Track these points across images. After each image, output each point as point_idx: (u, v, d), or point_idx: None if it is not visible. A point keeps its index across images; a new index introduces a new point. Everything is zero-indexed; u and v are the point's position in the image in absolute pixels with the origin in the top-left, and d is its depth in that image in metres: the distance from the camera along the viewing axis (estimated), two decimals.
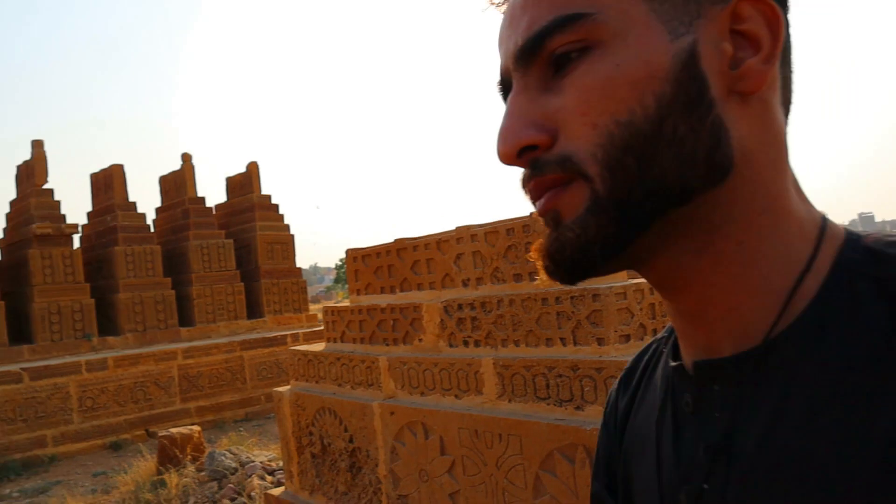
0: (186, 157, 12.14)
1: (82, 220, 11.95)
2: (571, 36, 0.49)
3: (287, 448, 4.12)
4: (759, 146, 0.51)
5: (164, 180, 12.65)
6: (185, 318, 10.96)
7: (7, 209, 11.52)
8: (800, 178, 0.54)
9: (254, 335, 10.67)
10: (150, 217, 12.05)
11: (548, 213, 0.52)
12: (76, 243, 10.71)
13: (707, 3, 0.50)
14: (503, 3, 0.57)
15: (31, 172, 10.70)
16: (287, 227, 12.46)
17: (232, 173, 13.00)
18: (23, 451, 7.97)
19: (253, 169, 12.57)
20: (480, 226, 3.17)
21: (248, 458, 6.27)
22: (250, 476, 5.82)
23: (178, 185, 12.24)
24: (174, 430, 6.77)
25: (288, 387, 4.20)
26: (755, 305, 0.51)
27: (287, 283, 12.01)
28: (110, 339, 10.01)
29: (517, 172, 0.54)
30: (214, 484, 5.91)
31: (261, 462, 6.12)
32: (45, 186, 10.64)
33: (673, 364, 0.58)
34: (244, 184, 12.62)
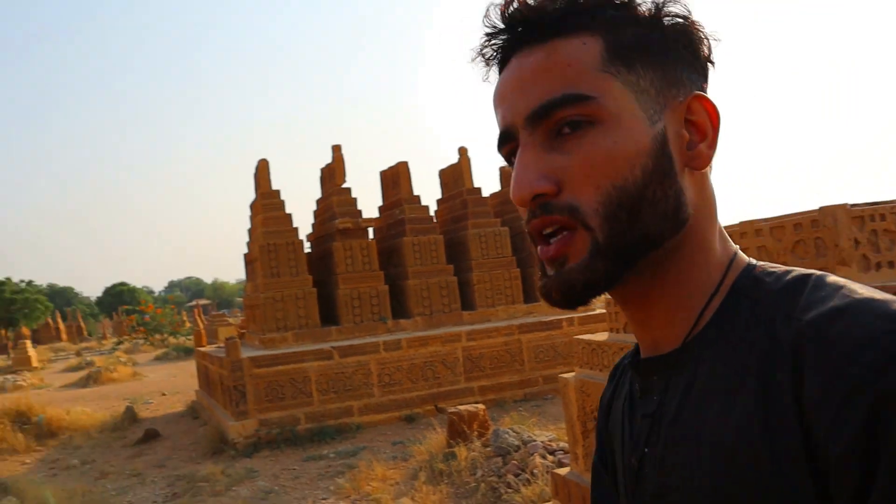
0: (463, 151, 12.84)
1: (375, 213, 13.21)
2: (578, 111, 0.65)
3: (572, 431, 4.23)
4: (700, 206, 0.70)
5: (443, 173, 13.50)
6: (467, 303, 11.64)
7: (314, 207, 13.07)
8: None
9: (531, 319, 11.01)
10: (433, 209, 12.92)
11: (557, 258, 0.66)
12: (371, 235, 11.84)
13: (670, 98, 0.68)
14: (491, 59, 0.73)
15: (333, 174, 12.03)
16: None
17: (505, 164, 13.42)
18: (335, 419, 9.10)
19: None
20: (765, 220, 3.02)
21: (529, 437, 6.51)
22: (532, 454, 6.04)
23: (455, 177, 13.00)
24: (461, 408, 7.24)
25: (573, 373, 4.30)
26: (681, 317, 0.69)
27: None
28: (402, 321, 10.97)
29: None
30: (499, 459, 6.24)
31: (542, 441, 6.32)
32: (344, 186, 11.90)
33: (631, 359, 0.78)
34: None
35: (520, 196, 0.66)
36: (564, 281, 0.66)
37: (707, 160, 0.69)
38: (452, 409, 7.27)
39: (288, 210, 11.16)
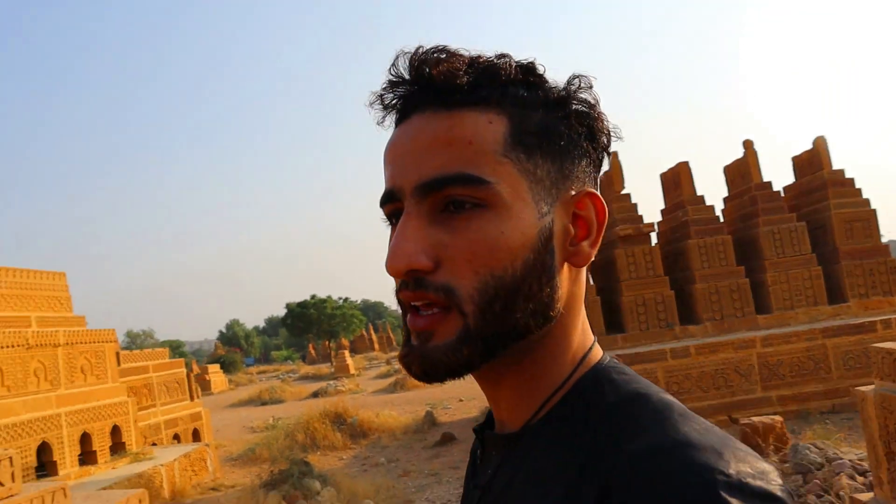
0: (748, 144, 12.05)
1: (656, 217, 12.91)
2: (471, 192, 0.64)
3: (874, 452, 3.82)
4: (571, 301, 0.71)
5: (728, 169, 12.78)
6: (761, 306, 10.88)
7: None
8: None
9: (837, 322, 9.96)
10: (718, 208, 12.30)
11: (423, 332, 0.65)
12: (653, 240, 11.60)
13: (563, 191, 0.68)
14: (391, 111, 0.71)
15: (611, 181, 12.02)
16: (867, 203, 11.27)
17: (797, 152, 12.38)
18: None
19: (820, 144, 11.75)
20: None
21: (835, 454, 5.93)
22: (838, 474, 5.49)
23: (742, 172, 12.24)
24: (755, 419, 6.83)
25: (872, 386, 3.88)
26: (526, 405, 0.70)
27: (872, 264, 10.87)
28: (690, 327, 10.59)
29: None
30: (799, 477, 5.77)
31: (850, 460, 5.72)
32: (623, 192, 11.84)
33: (483, 430, 0.80)
34: (812, 161, 11.89)
35: (394, 268, 0.65)
36: (427, 358, 0.65)
37: (587, 259, 0.70)
38: (746, 420, 6.88)
39: None
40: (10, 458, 4.35)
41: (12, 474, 4.37)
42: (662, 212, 12.95)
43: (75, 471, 9.63)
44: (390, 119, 0.73)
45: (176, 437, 13.83)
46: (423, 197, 0.66)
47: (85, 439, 10.08)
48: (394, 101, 0.71)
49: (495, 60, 0.68)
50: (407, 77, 0.69)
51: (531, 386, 0.70)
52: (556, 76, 0.71)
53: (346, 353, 31.36)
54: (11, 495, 4.31)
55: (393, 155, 0.69)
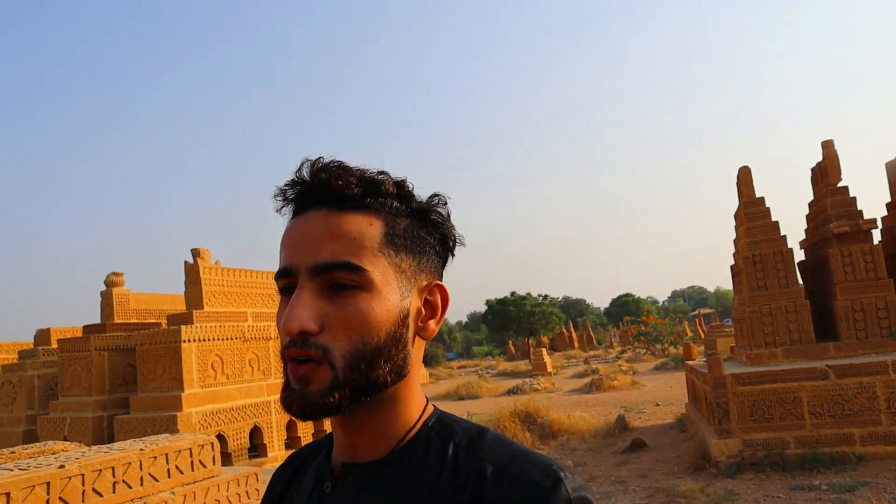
0: None
1: (881, 213, 11.53)
2: (351, 276, 0.83)
3: None
4: (415, 363, 0.91)
5: None
6: None
7: (805, 211, 12.03)
8: None
9: None
10: None
11: (301, 378, 0.81)
12: (876, 237, 10.39)
13: (419, 280, 0.90)
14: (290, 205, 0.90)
15: (824, 173, 10.93)
16: None
17: None
18: (830, 446, 8.18)
19: None
20: None
21: None
22: None
23: None
24: None
25: None
26: (385, 440, 0.89)
27: None
28: None
29: None
30: None
31: None
32: (839, 185, 10.71)
33: (324, 462, 0.95)
34: None
35: (289, 329, 0.82)
36: (305, 399, 0.82)
37: (433, 333, 0.92)
38: None
39: (774, 217, 10.51)
40: (212, 443, 4.80)
41: (213, 457, 4.82)
42: (889, 205, 11.54)
43: (282, 453, 10.49)
44: (287, 210, 0.91)
45: None
46: (314, 276, 0.84)
47: (290, 425, 10.96)
48: (294, 197, 0.90)
49: (377, 176, 0.89)
50: (308, 181, 0.88)
51: (388, 427, 0.90)
52: (421, 193, 0.94)
53: (544, 350, 31.23)
54: (212, 476, 4.76)
55: (291, 240, 0.87)
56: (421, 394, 0.94)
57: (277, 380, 11.13)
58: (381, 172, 0.90)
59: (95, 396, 10.57)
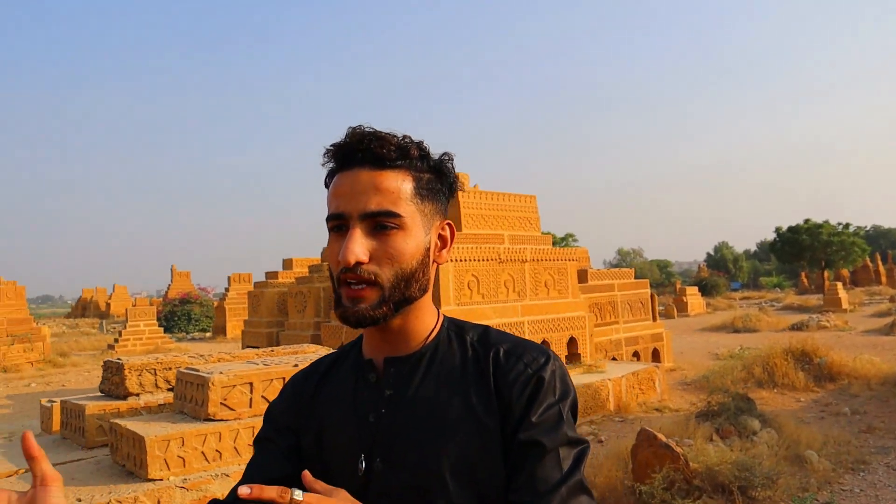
0: None
1: None
2: (392, 221, 1.11)
3: None
4: (433, 282, 1.23)
5: None
6: None
7: None
8: None
9: None
10: None
11: (354, 297, 1.11)
12: None
13: (436, 220, 1.19)
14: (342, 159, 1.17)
15: None
16: None
17: None
18: None
19: None
20: None
21: None
22: None
23: None
24: None
25: None
26: (415, 338, 1.21)
27: None
28: None
29: None
30: None
31: None
32: None
33: (366, 359, 1.24)
34: None
35: (347, 260, 1.08)
36: (361, 312, 1.10)
37: (446, 260, 1.22)
38: None
39: None
40: None
41: None
42: None
43: None
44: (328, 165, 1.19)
45: (635, 355, 14.28)
46: (363, 220, 1.11)
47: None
48: (340, 156, 1.15)
49: (405, 142, 1.14)
50: (352, 143, 1.14)
51: (417, 327, 1.20)
52: (435, 150, 1.20)
53: (840, 285, 27.87)
54: None
55: (342, 191, 1.13)
56: (435, 304, 1.24)
57: (532, 301, 11.29)
58: (406, 137, 1.15)
59: None
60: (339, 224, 1.13)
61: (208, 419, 3.83)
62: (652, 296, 15.87)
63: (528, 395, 1.12)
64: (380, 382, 1.19)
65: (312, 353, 5.22)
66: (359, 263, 1.08)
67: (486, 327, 1.25)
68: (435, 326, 1.22)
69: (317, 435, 1.22)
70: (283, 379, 4.09)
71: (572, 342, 11.44)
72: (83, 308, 48.97)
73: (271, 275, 17.78)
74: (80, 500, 3.58)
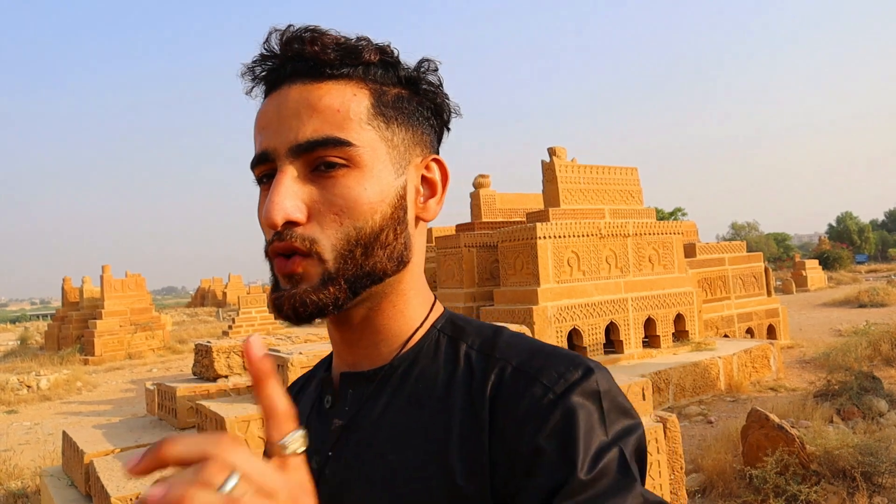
0: None
1: None
2: (338, 153, 0.73)
3: None
4: (418, 251, 0.82)
5: None
6: None
7: None
8: None
9: None
10: None
11: (290, 275, 0.73)
12: None
13: (414, 155, 0.80)
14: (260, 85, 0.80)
15: None
16: None
17: None
18: None
19: None
20: None
21: None
22: None
23: None
24: None
25: None
26: (390, 341, 0.81)
27: None
28: None
29: None
30: None
31: None
32: None
33: (324, 375, 0.89)
34: None
35: (273, 220, 0.71)
36: (297, 298, 0.72)
37: (434, 214, 0.82)
38: None
39: None
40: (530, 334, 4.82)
41: None
42: None
43: (638, 352, 10.34)
44: (258, 91, 0.80)
45: (749, 332, 13.58)
46: (296, 157, 0.73)
47: (649, 324, 10.69)
48: (264, 74, 0.79)
49: (358, 42, 0.77)
50: (279, 52, 0.77)
51: (391, 325, 0.80)
52: (408, 59, 0.81)
53: None
54: None
55: (266, 121, 0.76)
56: (426, 288, 0.85)
57: (635, 277, 10.88)
58: (361, 38, 0.78)
59: (466, 289, 11.52)
60: (266, 170, 0.77)
61: None
62: (766, 269, 15.03)
63: (558, 436, 0.67)
64: (333, 409, 0.83)
65: None
66: (290, 224, 0.72)
67: (498, 329, 0.81)
68: (422, 325, 0.81)
69: None
70: None
71: (679, 319, 10.97)
72: (202, 298, 51.53)
73: None
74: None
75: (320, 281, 0.72)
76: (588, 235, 10.59)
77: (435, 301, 0.86)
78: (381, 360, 0.80)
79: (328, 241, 0.73)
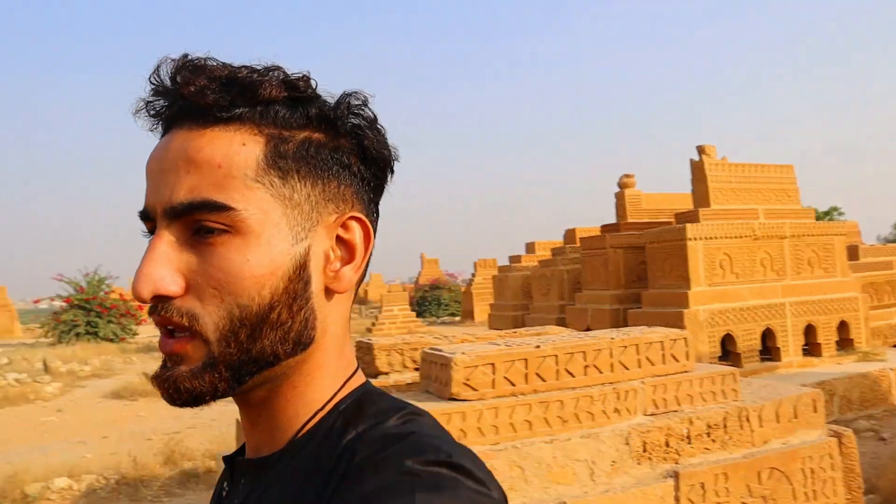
0: None
1: None
2: (217, 219, 0.62)
3: None
4: (331, 326, 0.70)
5: None
6: None
7: None
8: None
9: None
10: None
11: (173, 354, 0.64)
12: None
13: (325, 213, 0.67)
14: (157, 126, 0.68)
15: None
16: None
17: None
18: None
19: None
20: None
21: None
22: None
23: None
24: None
25: None
26: (286, 426, 0.69)
27: None
28: None
29: None
30: None
31: None
32: None
33: (235, 457, 0.77)
34: None
35: (138, 293, 0.62)
36: (172, 383, 0.64)
37: (349, 285, 0.69)
38: None
39: None
40: (685, 338, 4.73)
41: (686, 353, 4.75)
42: None
43: (798, 360, 9.78)
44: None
45: None
46: (171, 220, 0.64)
47: (809, 331, 10.09)
48: (159, 112, 0.68)
49: (256, 77, 0.64)
50: (170, 87, 0.66)
51: (289, 409, 0.70)
52: (332, 92, 0.69)
53: None
54: (685, 371, 4.72)
55: (150, 171, 0.67)
56: (342, 365, 0.72)
57: (793, 280, 10.28)
58: (270, 68, 0.65)
59: (612, 290, 11.35)
60: (152, 227, 0.67)
61: (452, 399, 3.96)
62: None
63: None
64: (228, 498, 0.75)
65: (555, 334, 5.21)
66: (162, 298, 0.62)
67: (407, 413, 0.67)
68: (324, 407, 0.69)
69: None
70: (525, 361, 4.13)
71: (843, 326, 10.28)
72: None
73: (515, 259, 18.18)
74: None
75: (202, 365, 0.63)
76: (741, 237, 10.16)
77: (353, 375, 0.73)
78: (277, 446, 0.70)
79: (210, 318, 0.62)
